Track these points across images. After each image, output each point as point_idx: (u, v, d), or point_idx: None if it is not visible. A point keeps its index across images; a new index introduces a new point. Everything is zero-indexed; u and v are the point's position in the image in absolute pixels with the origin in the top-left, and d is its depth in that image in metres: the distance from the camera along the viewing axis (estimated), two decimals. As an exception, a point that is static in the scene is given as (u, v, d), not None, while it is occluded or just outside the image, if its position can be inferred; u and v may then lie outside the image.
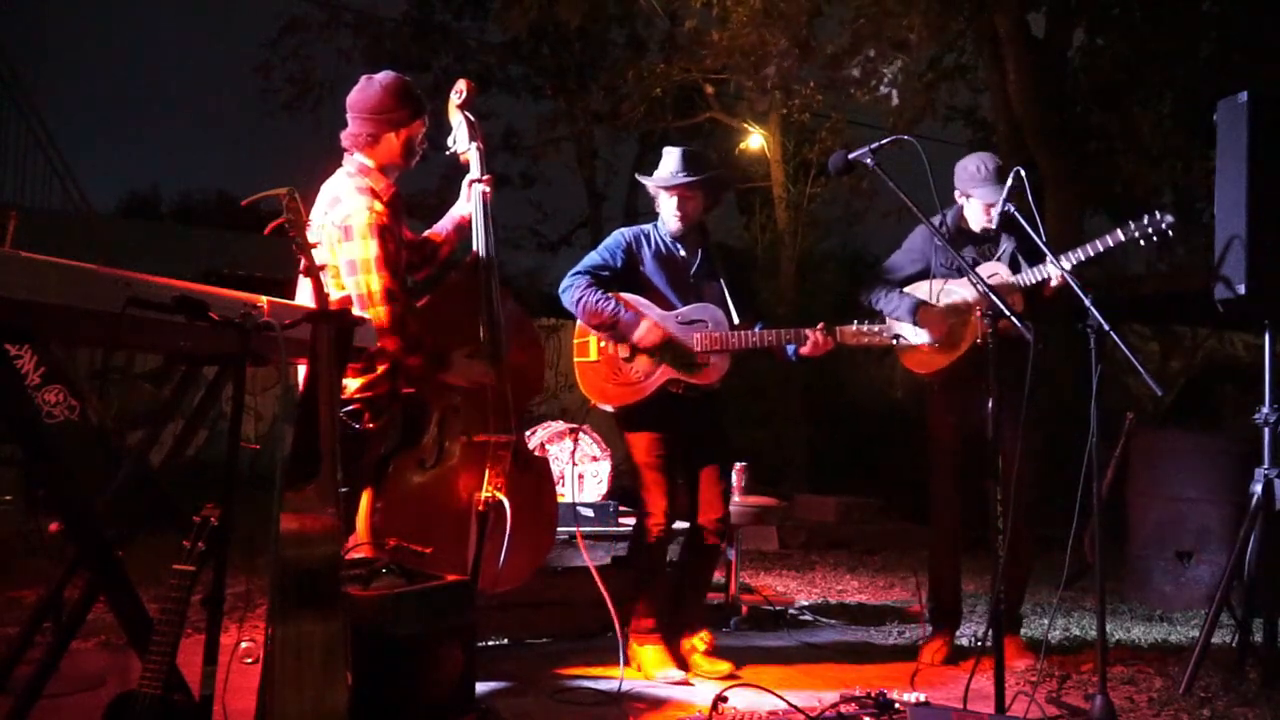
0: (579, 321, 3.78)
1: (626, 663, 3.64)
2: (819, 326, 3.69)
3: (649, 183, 3.88)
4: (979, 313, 3.10)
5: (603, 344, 3.76)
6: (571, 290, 3.75)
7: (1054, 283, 3.80)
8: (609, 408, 3.79)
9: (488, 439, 3.31)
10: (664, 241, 3.86)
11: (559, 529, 3.86)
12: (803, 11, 9.76)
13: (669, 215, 3.84)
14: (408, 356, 3.15)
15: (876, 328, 3.71)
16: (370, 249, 3.06)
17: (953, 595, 4.13)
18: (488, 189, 3.51)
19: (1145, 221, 3.64)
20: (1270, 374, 3.70)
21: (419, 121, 3.27)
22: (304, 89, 14.60)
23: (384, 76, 3.25)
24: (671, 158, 3.85)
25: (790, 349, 3.75)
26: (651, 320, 3.68)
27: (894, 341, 3.75)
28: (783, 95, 10.74)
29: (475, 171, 3.53)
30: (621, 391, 3.74)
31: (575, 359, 3.81)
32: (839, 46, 10.00)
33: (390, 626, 2.64)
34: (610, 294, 3.73)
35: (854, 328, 3.70)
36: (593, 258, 3.84)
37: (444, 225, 3.60)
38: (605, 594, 3.62)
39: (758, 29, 9.94)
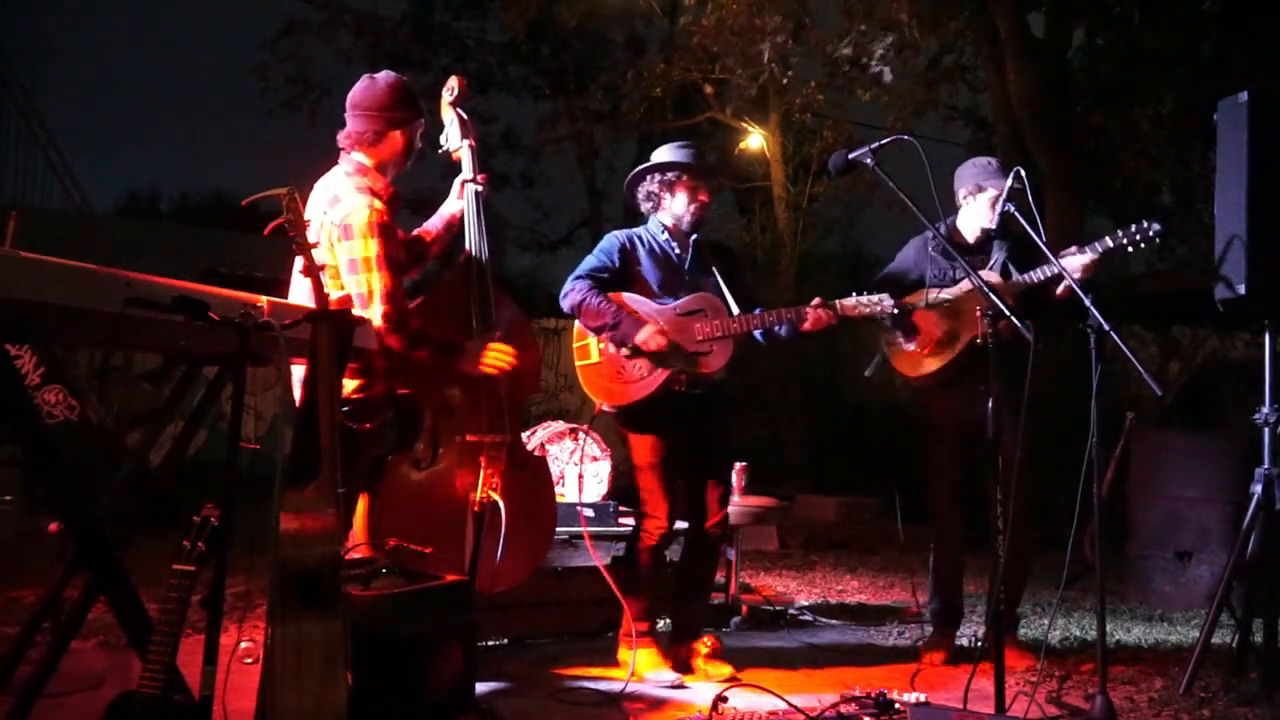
0: (578, 324, 3.77)
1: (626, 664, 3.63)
2: (816, 301, 3.71)
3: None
4: (979, 312, 3.11)
5: (603, 345, 3.74)
6: (571, 294, 3.73)
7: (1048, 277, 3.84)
8: (608, 407, 3.76)
9: (482, 439, 3.29)
10: (657, 241, 3.85)
11: (559, 529, 3.86)
12: None
13: (683, 207, 3.80)
14: (412, 352, 3.14)
15: (876, 298, 3.71)
16: (371, 248, 3.05)
17: (953, 595, 4.13)
18: (480, 187, 3.49)
19: (1134, 230, 3.70)
20: (1270, 374, 3.70)
21: (419, 121, 3.29)
22: (303, 89, 14.60)
23: (386, 75, 3.26)
24: (680, 151, 3.82)
25: (786, 328, 3.74)
26: (654, 325, 3.65)
27: (894, 312, 3.76)
28: (779, 69, 10.68)
29: (467, 170, 3.50)
30: (626, 389, 3.71)
31: (577, 362, 3.79)
32: (831, 29, 10.20)
33: (390, 626, 2.63)
34: (608, 295, 3.71)
35: (853, 300, 3.71)
36: (590, 261, 3.81)
37: (434, 223, 3.57)
38: (618, 593, 3.62)
39: (748, 10, 10.04)
